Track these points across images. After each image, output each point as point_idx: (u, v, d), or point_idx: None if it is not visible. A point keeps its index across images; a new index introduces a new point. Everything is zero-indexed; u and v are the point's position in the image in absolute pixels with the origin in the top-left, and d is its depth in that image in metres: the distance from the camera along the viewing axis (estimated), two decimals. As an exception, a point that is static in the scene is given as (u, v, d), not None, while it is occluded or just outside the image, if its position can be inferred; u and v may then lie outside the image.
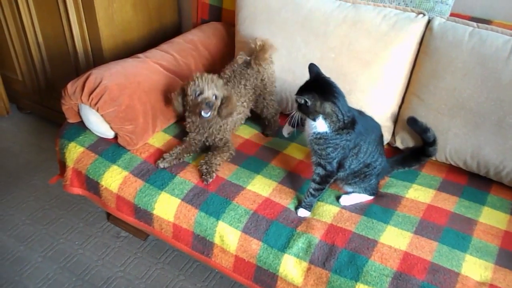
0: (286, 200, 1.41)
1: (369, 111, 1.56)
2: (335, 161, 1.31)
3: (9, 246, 1.84)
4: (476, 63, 1.40)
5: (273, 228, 1.32)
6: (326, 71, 1.59)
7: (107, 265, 1.77)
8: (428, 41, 1.50)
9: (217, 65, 1.91)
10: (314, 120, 1.26)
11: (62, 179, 1.64)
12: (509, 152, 1.40)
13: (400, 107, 1.62)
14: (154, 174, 1.49)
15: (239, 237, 1.33)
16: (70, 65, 2.10)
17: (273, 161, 1.55)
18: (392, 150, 1.66)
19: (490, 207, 1.40)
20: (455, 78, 1.44)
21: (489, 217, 1.36)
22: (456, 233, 1.29)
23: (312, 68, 1.30)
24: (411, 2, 1.60)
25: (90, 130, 1.62)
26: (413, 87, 1.55)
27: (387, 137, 1.63)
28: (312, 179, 1.36)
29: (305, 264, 1.25)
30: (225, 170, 1.50)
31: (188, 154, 1.55)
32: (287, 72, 1.70)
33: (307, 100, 1.22)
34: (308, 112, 1.24)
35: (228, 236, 1.34)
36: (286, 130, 1.47)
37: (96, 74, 1.53)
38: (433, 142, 1.50)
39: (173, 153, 1.53)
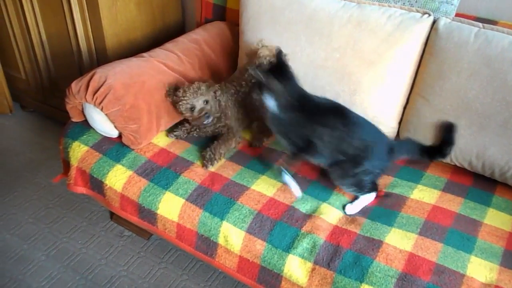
0: (291, 199, 1.40)
1: (373, 111, 1.57)
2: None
3: (12, 244, 1.84)
4: (482, 63, 1.40)
5: (278, 228, 1.32)
6: (330, 71, 1.59)
7: (110, 264, 1.77)
8: (434, 42, 1.49)
9: (221, 65, 1.91)
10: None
11: (66, 178, 1.64)
12: (514, 153, 1.40)
13: (404, 108, 1.61)
14: (158, 173, 1.49)
15: (244, 238, 1.32)
16: (74, 64, 2.10)
17: (277, 162, 1.55)
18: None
19: (495, 209, 1.39)
20: (461, 78, 1.43)
21: (494, 218, 1.36)
22: (461, 234, 1.29)
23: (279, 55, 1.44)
24: (416, 2, 1.59)
25: (94, 129, 1.62)
26: (418, 87, 1.55)
27: (391, 138, 1.62)
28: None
29: (309, 265, 1.25)
30: (229, 170, 1.50)
31: (198, 130, 1.63)
32: (291, 72, 1.69)
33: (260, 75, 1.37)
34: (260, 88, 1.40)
35: (232, 237, 1.34)
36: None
37: (100, 73, 1.53)
38: (452, 142, 1.48)
39: (184, 128, 1.63)
